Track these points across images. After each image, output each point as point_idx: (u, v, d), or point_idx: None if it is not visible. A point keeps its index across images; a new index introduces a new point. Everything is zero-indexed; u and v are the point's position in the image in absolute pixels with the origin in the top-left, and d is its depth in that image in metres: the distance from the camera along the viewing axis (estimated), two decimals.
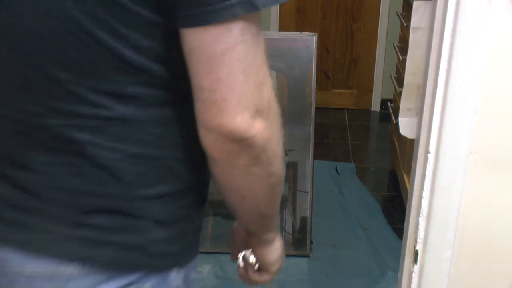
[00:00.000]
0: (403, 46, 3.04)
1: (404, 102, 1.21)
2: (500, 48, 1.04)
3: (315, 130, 2.66)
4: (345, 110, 4.40)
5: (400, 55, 2.97)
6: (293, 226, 2.70)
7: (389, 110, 3.10)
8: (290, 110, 2.63)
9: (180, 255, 0.89)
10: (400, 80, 2.90)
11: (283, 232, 2.70)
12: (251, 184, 0.84)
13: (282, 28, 4.29)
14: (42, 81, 0.76)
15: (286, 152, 2.86)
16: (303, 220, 2.65)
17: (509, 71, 1.06)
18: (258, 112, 0.76)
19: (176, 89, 0.80)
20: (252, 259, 1.05)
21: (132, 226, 0.83)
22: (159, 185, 0.84)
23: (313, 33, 2.56)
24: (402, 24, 3.11)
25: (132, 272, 0.84)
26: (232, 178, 0.82)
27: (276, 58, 2.62)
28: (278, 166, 0.84)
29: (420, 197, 1.15)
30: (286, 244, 2.64)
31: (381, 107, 4.39)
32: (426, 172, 1.12)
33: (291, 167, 2.82)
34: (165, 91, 0.80)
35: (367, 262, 2.59)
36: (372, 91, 4.39)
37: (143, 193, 0.82)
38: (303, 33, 2.62)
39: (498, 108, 1.08)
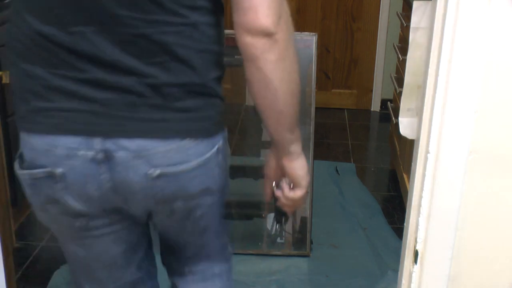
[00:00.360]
0: (403, 46, 3.04)
1: (404, 102, 1.21)
2: (500, 48, 1.04)
3: (315, 130, 2.66)
4: (345, 110, 4.40)
5: (400, 55, 2.97)
6: (293, 226, 2.69)
7: (389, 110, 3.10)
8: None
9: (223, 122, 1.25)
10: (400, 80, 2.90)
11: (283, 232, 2.70)
12: (282, 77, 1.13)
13: None
14: (140, 1, 1.07)
15: None
16: (303, 220, 2.65)
17: (509, 71, 1.06)
18: (281, 17, 1.08)
19: (219, 1, 1.14)
20: (285, 180, 1.30)
21: (211, 103, 1.18)
22: (216, 70, 1.18)
23: (313, 33, 2.55)
24: (402, 24, 3.11)
25: (214, 136, 1.20)
26: (266, 72, 1.12)
27: None
28: (298, 67, 1.17)
29: (420, 197, 1.15)
30: (286, 244, 2.64)
31: (381, 107, 4.39)
32: (426, 172, 1.12)
33: None
34: (215, 2, 1.13)
35: (367, 262, 2.59)
36: (372, 91, 4.39)
37: (211, 77, 1.17)
38: (303, 33, 2.62)
39: (498, 108, 1.08)
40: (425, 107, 1.10)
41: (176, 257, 1.47)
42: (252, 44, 1.09)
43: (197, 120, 1.17)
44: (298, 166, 1.28)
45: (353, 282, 2.45)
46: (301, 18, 4.29)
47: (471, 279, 1.19)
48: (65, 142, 1.14)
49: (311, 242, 2.64)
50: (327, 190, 3.18)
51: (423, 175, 1.13)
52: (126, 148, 1.13)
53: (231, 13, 1.09)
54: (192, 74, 1.13)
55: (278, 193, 1.33)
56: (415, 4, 1.14)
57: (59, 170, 1.15)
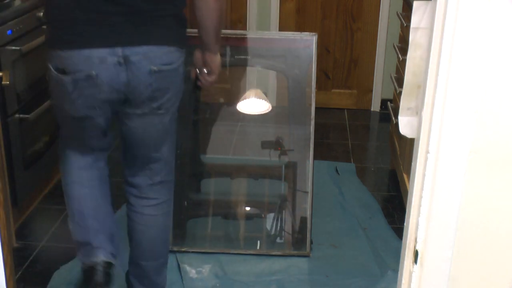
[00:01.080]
0: (403, 46, 3.04)
1: (404, 102, 1.21)
2: (500, 48, 1.04)
3: (315, 130, 2.66)
4: (345, 110, 4.40)
5: (400, 55, 2.97)
6: (293, 226, 2.69)
7: (389, 110, 3.10)
8: (290, 110, 2.63)
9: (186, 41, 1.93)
10: (400, 80, 2.90)
11: (283, 232, 2.70)
12: (219, 6, 1.88)
13: (282, 28, 4.29)
14: None
15: (286, 152, 2.86)
16: (303, 220, 2.65)
17: (510, 71, 1.06)
18: None
19: None
20: (205, 68, 2.04)
21: (183, 25, 1.88)
22: (184, 3, 1.86)
23: (313, 33, 2.56)
24: (402, 24, 3.11)
25: (183, 48, 1.88)
26: (210, 2, 1.86)
27: (276, 58, 2.62)
28: (225, 1, 1.94)
29: (420, 197, 1.15)
30: (286, 244, 2.64)
31: (381, 107, 4.39)
32: (426, 172, 1.13)
33: (291, 167, 2.82)
34: None
35: (367, 262, 2.59)
36: (372, 91, 4.39)
37: (182, 8, 1.86)
38: (303, 33, 2.62)
39: (498, 108, 1.08)
40: (425, 107, 1.10)
41: (133, 161, 2.03)
42: None
43: (176, 35, 1.85)
44: (215, 59, 2.03)
45: (353, 282, 2.45)
46: (301, 18, 4.28)
47: (471, 279, 1.19)
48: (98, 53, 1.76)
49: (311, 242, 2.64)
50: (327, 190, 3.18)
51: (423, 175, 1.13)
52: (137, 53, 1.78)
53: None
54: (174, 7, 1.83)
55: (199, 76, 2.08)
56: (415, 4, 1.14)
57: (94, 72, 1.77)
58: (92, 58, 1.76)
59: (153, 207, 2.09)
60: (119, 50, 1.76)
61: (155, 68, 1.79)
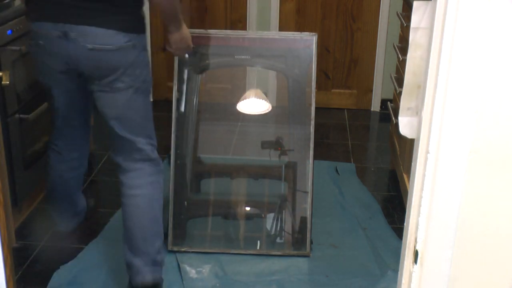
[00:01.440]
0: (403, 46, 3.04)
1: (404, 102, 1.21)
2: (500, 48, 1.04)
3: (315, 130, 2.66)
4: (345, 110, 4.40)
5: (400, 55, 2.97)
6: (293, 226, 2.69)
7: (389, 110, 3.10)
8: (290, 110, 2.63)
9: (144, 28, 2.21)
10: (400, 80, 2.90)
11: (283, 232, 2.70)
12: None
13: (282, 28, 4.29)
14: None
15: (286, 152, 2.86)
16: (303, 220, 2.65)
17: (510, 71, 1.06)
18: None
19: None
20: (166, 42, 2.38)
21: (132, 9, 2.13)
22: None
23: (313, 33, 2.56)
24: (402, 24, 3.11)
25: (131, 33, 2.10)
26: None
27: (276, 58, 2.62)
28: None
29: (420, 197, 1.15)
30: (286, 244, 2.64)
31: (381, 107, 4.39)
32: (426, 172, 1.12)
33: (291, 167, 2.82)
34: None
35: (367, 262, 2.59)
36: (372, 91, 4.39)
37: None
38: (303, 33, 2.62)
39: (498, 108, 1.08)
40: (425, 107, 1.10)
41: (115, 134, 2.22)
42: None
43: (123, 21, 2.08)
44: (171, 37, 2.32)
45: (353, 282, 2.45)
46: (301, 18, 4.28)
47: (471, 279, 1.19)
48: (45, 26, 2.09)
49: (311, 242, 2.64)
50: (327, 190, 3.18)
51: (423, 175, 1.13)
52: (76, 30, 2.05)
53: None
54: None
55: (166, 47, 2.42)
56: (415, 4, 1.14)
57: (41, 42, 2.12)
58: (41, 30, 2.11)
59: (136, 184, 2.25)
60: (60, 26, 2.05)
61: (90, 46, 2.05)
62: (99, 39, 2.06)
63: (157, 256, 2.27)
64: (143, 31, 2.19)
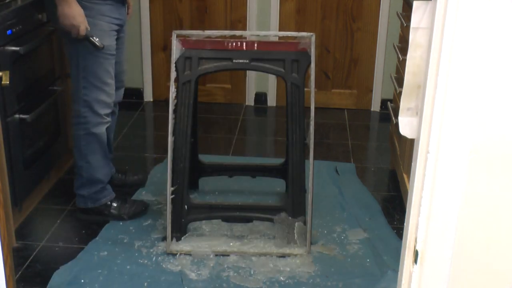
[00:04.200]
0: (403, 46, 3.04)
1: (404, 102, 1.21)
2: (500, 48, 1.04)
3: (315, 130, 2.65)
4: (345, 110, 4.40)
5: (400, 55, 2.97)
6: (293, 226, 2.69)
7: (389, 110, 3.10)
8: (290, 110, 2.62)
9: None
10: (400, 80, 2.90)
11: (283, 232, 2.70)
12: None
13: (282, 28, 4.29)
14: None
15: (286, 151, 2.85)
16: (303, 220, 2.65)
17: (509, 70, 1.05)
18: None
19: None
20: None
21: None
22: None
23: (311, 33, 2.56)
24: (402, 24, 3.11)
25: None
26: None
27: (274, 62, 2.62)
28: None
29: (420, 197, 1.15)
30: (286, 244, 2.64)
31: (381, 107, 4.39)
32: (426, 172, 1.12)
33: (291, 167, 2.81)
34: None
35: (367, 262, 2.59)
36: (372, 91, 4.39)
37: None
38: (301, 33, 2.63)
39: (498, 108, 1.08)
40: (425, 107, 1.10)
41: None
42: None
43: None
44: (58, 11, 2.50)
45: (353, 282, 2.45)
46: (301, 18, 4.28)
47: (471, 279, 1.19)
48: None
49: (311, 242, 2.64)
50: (327, 190, 3.18)
51: (423, 175, 1.13)
52: None
53: None
54: None
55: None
56: (415, 4, 1.14)
57: None
58: None
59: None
60: None
61: None
62: None
63: None
64: None
